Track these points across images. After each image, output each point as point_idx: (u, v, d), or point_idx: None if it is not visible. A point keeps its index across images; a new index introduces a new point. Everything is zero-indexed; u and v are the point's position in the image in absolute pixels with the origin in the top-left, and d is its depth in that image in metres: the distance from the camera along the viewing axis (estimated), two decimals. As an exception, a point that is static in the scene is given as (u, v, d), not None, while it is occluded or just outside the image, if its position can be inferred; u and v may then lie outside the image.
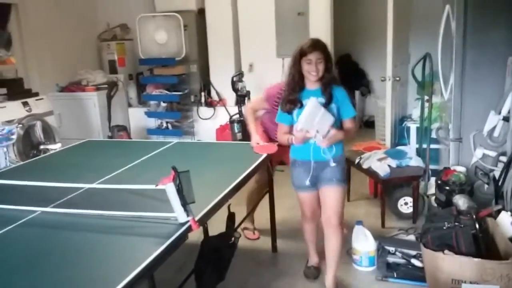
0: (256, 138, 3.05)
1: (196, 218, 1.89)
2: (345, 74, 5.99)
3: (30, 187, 2.17)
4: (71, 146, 3.57)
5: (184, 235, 1.85)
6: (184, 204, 1.87)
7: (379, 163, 3.43)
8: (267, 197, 3.21)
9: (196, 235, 2.02)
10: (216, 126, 5.51)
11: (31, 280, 1.57)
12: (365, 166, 3.58)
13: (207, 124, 5.71)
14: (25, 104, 4.44)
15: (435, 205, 3.28)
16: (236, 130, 4.89)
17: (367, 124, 6.48)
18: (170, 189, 1.85)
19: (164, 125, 5.91)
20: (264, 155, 2.87)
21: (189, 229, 1.86)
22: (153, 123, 5.96)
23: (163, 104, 5.87)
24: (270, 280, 2.87)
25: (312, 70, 2.43)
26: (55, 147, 4.25)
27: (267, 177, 3.15)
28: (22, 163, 3.57)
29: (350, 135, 2.57)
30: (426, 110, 3.87)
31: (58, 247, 1.84)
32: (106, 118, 5.58)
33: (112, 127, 5.60)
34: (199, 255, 2.12)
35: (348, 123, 2.55)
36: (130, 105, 6.13)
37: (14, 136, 4.11)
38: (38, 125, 4.45)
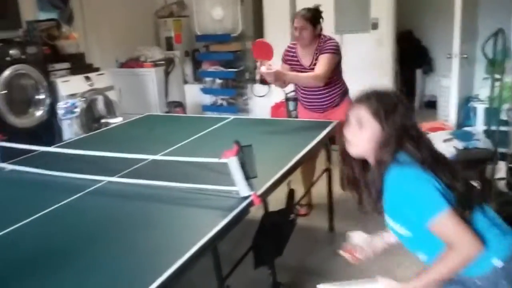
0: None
1: (258, 193, 1.88)
2: (406, 51, 5.75)
3: (96, 157, 2.23)
4: (132, 120, 3.65)
5: (246, 209, 1.84)
6: (247, 178, 1.86)
7: (445, 145, 3.27)
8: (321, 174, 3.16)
9: (252, 211, 2.00)
10: (270, 104, 5.47)
11: (103, 245, 1.63)
12: (428, 147, 3.43)
13: (262, 101, 5.68)
14: (87, 78, 4.59)
15: (505, 190, 3.11)
16: (291, 108, 4.83)
17: (428, 104, 6.21)
18: (233, 163, 1.83)
19: (219, 102, 5.94)
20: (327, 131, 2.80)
21: (251, 203, 1.85)
22: (208, 99, 6.00)
23: (218, 81, 5.89)
24: (327, 259, 2.83)
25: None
26: (116, 120, 4.37)
27: (325, 155, 3.10)
28: (85, 135, 3.70)
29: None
30: (496, 90, 3.64)
31: (125, 215, 1.89)
32: (163, 94, 5.68)
33: (169, 103, 5.70)
34: (259, 230, 2.11)
35: (437, 225, 1.35)
36: (186, 82, 6.20)
37: (78, 109, 4.27)
38: (100, 99, 4.59)
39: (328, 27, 5.24)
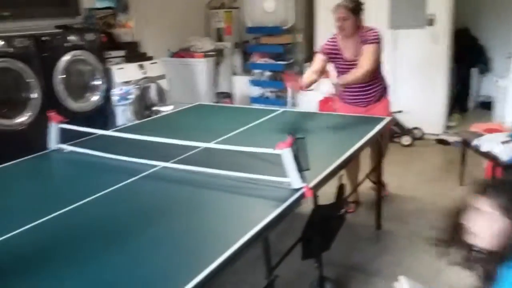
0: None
1: (310, 185, 1.88)
2: (462, 49, 5.54)
3: (151, 143, 2.29)
4: (183, 109, 3.72)
5: (297, 201, 1.84)
6: (300, 170, 1.86)
7: (503, 147, 3.14)
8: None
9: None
10: (318, 98, 5.42)
11: (157, 227, 1.67)
12: (484, 149, 3.30)
13: (309, 95, 5.63)
14: (141, 66, 4.71)
15: None
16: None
17: (482, 105, 5.98)
18: (286, 154, 1.84)
19: (267, 94, 5.95)
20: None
21: (303, 195, 1.85)
22: (256, 91, 6.02)
23: (267, 73, 5.89)
24: (374, 256, 2.80)
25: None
26: (168, 109, 4.47)
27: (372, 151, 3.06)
28: (138, 121, 3.80)
29: None
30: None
31: (178, 199, 1.94)
32: (212, 84, 5.75)
33: (217, 93, 5.76)
34: (309, 223, 2.11)
35: None
36: (234, 73, 6.25)
37: (131, 96, 4.40)
38: (153, 87, 4.70)
39: (382, 22, 5.16)
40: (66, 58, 3.98)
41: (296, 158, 1.84)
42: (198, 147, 2.24)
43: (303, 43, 5.72)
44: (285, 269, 2.03)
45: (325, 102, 5.22)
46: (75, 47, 4.06)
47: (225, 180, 2.03)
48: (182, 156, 2.31)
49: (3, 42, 3.45)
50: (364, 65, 2.98)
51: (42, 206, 1.88)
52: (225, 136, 2.70)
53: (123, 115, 4.39)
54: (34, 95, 3.71)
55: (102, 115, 4.40)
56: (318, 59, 3.22)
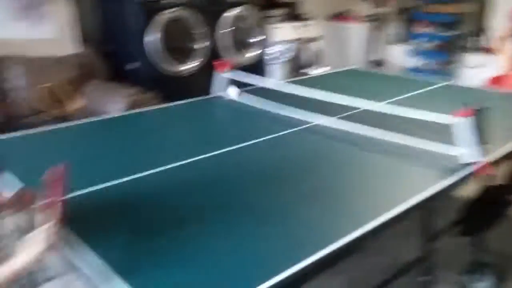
0: None
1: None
2: None
3: (307, 99, 2.29)
4: (337, 71, 3.65)
5: (467, 177, 1.68)
6: (478, 143, 1.69)
7: None
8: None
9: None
10: (483, 76, 4.89)
11: (314, 179, 1.67)
12: None
13: (472, 72, 5.12)
14: (297, 27, 4.72)
15: None
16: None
17: None
18: (466, 123, 1.68)
19: (422, 65, 5.56)
20: None
21: (478, 171, 1.68)
22: (410, 62, 5.66)
23: (425, 45, 5.49)
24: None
25: None
26: (320, 71, 4.45)
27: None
28: (294, 79, 3.83)
29: None
30: None
31: (334, 156, 1.90)
32: (365, 51, 5.54)
33: (369, 61, 5.55)
34: (476, 199, 1.93)
35: None
36: (389, 42, 5.93)
37: (286, 55, 4.45)
38: (307, 48, 4.69)
39: None
40: (231, 13, 4.15)
41: (478, 130, 1.67)
42: (357, 108, 2.17)
43: (472, 14, 5.16)
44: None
45: (497, 80, 4.69)
46: (239, 3, 4.20)
47: (384, 146, 1.94)
48: (341, 115, 2.26)
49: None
50: None
51: (199, 145, 1.98)
52: (384, 102, 2.57)
53: (276, 73, 4.48)
54: (201, 45, 3.96)
55: (257, 72, 4.52)
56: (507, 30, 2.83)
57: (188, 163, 1.75)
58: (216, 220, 1.35)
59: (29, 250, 0.96)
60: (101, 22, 3.94)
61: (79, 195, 1.47)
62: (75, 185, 1.45)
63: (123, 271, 1.09)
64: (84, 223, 1.30)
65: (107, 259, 1.13)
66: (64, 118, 3.11)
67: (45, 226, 1.00)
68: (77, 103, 3.43)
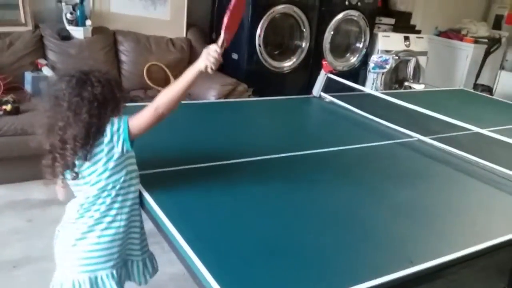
0: None
1: None
2: None
3: (408, 112, 2.19)
4: (441, 90, 3.48)
5: None
6: None
7: None
8: None
9: None
10: None
11: (413, 191, 1.60)
12: None
13: None
14: (406, 38, 4.55)
15: None
16: None
17: None
18: None
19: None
20: None
21: None
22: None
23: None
24: None
25: None
26: (420, 87, 4.26)
27: None
28: (393, 91, 3.71)
29: None
30: None
31: (433, 174, 1.82)
32: (473, 73, 5.22)
33: (476, 84, 5.21)
34: None
35: None
36: (502, 67, 5.53)
37: (388, 66, 4.31)
38: (412, 61, 4.51)
39: None
40: (339, 15, 4.09)
41: None
42: (466, 129, 2.03)
43: None
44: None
45: None
46: (350, 7, 4.13)
47: (489, 174, 1.81)
48: (445, 135, 2.15)
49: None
50: None
51: (292, 142, 1.99)
52: (495, 128, 2.38)
53: (373, 82, 4.35)
54: (303, 44, 3.95)
55: (354, 78, 4.44)
56: None
57: (279, 157, 1.76)
58: (304, 225, 1.33)
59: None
60: (211, 10, 4.07)
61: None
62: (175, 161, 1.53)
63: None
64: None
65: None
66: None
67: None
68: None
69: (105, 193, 1.22)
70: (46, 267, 1.43)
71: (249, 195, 1.45)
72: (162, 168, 1.49)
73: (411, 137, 2.14)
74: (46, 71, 3.09)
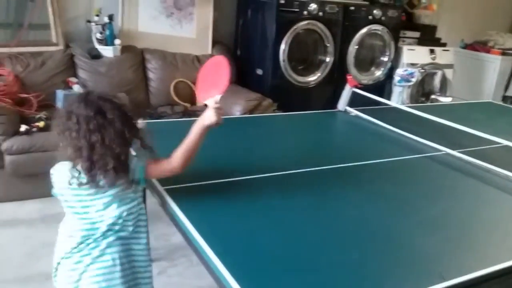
0: None
1: None
2: None
3: (435, 126, 2.17)
4: (466, 103, 3.43)
5: None
6: None
7: None
8: None
9: None
10: None
11: (439, 207, 1.58)
12: None
13: None
14: (431, 51, 4.52)
15: None
16: None
17: None
18: None
19: None
20: None
21: None
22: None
23: None
24: None
25: None
26: (446, 100, 4.21)
27: None
28: (420, 105, 3.67)
29: None
30: None
31: (461, 190, 1.79)
32: (502, 85, 5.13)
33: (505, 96, 5.12)
34: None
35: None
36: (532, 79, 5.41)
37: (414, 79, 4.28)
38: (438, 74, 4.47)
39: None
40: (363, 30, 4.10)
41: None
42: (496, 142, 2.00)
43: None
44: None
45: None
46: (374, 21, 4.13)
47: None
48: (474, 148, 2.12)
49: (315, 6, 3.75)
50: None
51: (319, 156, 1.99)
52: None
53: (399, 96, 4.32)
54: (328, 58, 3.97)
55: (379, 91, 4.41)
56: None
57: (305, 172, 1.77)
58: (333, 241, 1.34)
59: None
60: (235, 28, 4.13)
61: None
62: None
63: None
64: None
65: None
66: (192, 113, 3.33)
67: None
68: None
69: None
70: (79, 280, 1.45)
71: (276, 209, 1.46)
72: (190, 183, 1.52)
73: (439, 151, 2.11)
74: (77, 88, 3.19)
